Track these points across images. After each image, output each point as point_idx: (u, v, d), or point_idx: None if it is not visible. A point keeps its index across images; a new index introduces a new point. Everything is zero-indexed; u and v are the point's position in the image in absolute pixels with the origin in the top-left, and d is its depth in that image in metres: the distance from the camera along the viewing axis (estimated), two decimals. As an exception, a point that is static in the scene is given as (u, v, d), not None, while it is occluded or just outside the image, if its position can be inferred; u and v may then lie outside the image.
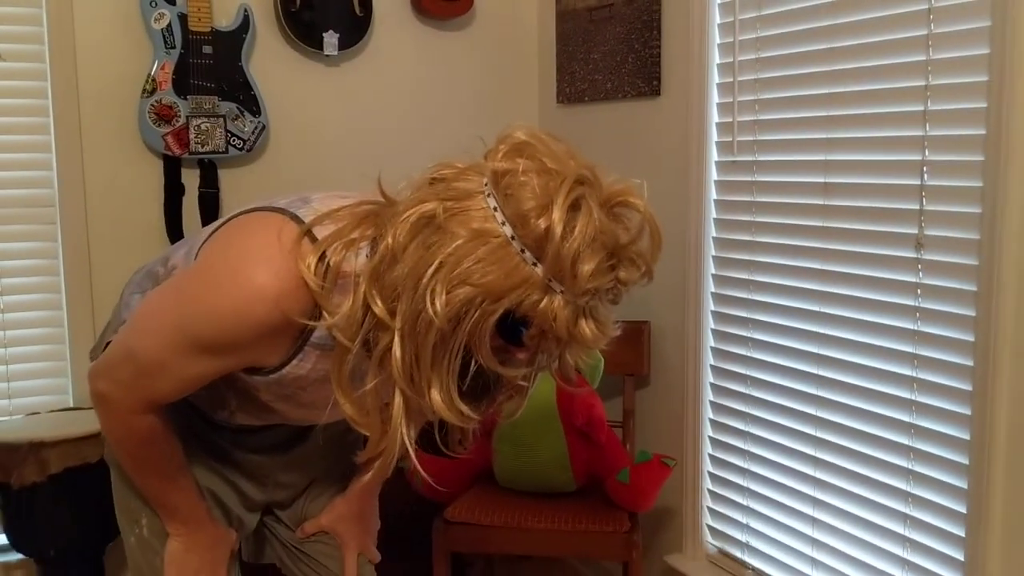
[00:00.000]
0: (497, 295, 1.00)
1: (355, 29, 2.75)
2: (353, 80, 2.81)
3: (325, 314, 1.10)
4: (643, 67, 2.53)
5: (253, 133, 2.64)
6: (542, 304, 1.01)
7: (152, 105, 2.52)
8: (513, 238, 1.01)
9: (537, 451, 2.31)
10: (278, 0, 2.65)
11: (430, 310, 1.00)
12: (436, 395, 1.05)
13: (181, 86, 2.54)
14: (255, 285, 1.10)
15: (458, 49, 2.94)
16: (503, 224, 1.01)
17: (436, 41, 2.90)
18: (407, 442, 1.11)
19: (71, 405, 2.58)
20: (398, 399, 1.08)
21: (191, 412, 1.40)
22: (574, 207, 1.01)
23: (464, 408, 1.07)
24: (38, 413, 2.51)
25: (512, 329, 1.04)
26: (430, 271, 1.00)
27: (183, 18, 2.53)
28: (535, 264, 1.01)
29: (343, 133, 2.82)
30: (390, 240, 1.05)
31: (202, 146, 2.59)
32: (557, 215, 0.99)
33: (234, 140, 2.62)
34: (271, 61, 2.69)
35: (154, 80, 2.52)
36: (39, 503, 2.25)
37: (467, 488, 2.40)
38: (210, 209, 2.65)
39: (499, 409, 1.23)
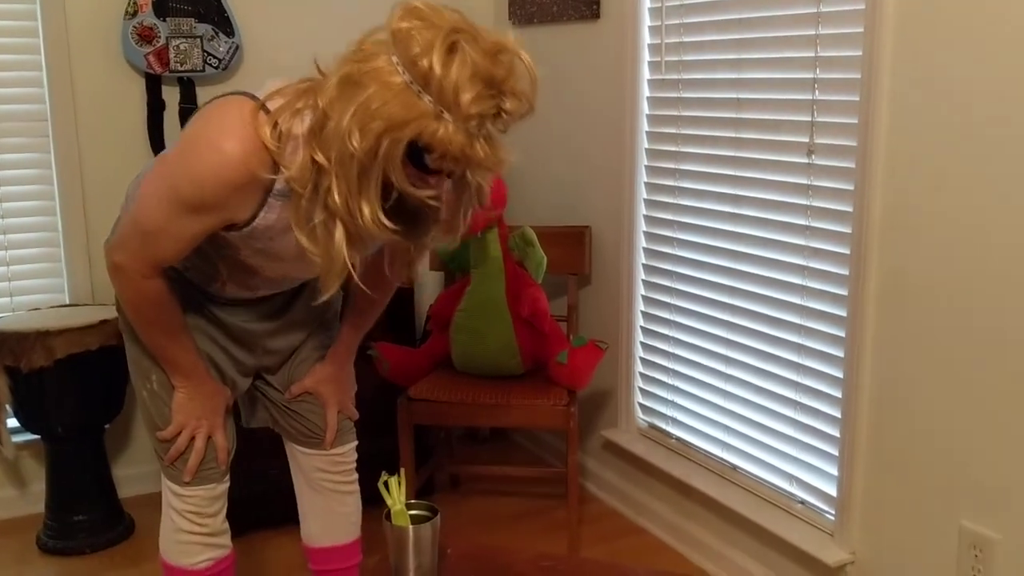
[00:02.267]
0: (400, 125, 1.26)
1: (321, -45, 2.96)
2: (324, 2, 3.02)
3: (283, 169, 1.39)
4: (585, -7, 2.77)
5: (227, 53, 2.87)
6: (439, 132, 1.26)
7: (134, 27, 2.73)
8: (410, 82, 1.26)
9: (489, 339, 2.61)
10: (249, -73, 2.85)
11: (351, 146, 1.27)
12: (367, 216, 1.32)
13: (161, 9, 2.75)
14: (225, 150, 1.39)
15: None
16: (401, 72, 1.27)
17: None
18: (348, 264, 1.38)
19: (67, 302, 2.85)
20: (339, 228, 1.37)
21: (191, 288, 1.68)
22: (451, 50, 1.26)
23: (390, 224, 1.33)
24: (39, 309, 2.78)
25: (418, 155, 1.30)
26: (348, 116, 1.27)
27: (162, -57, 2.73)
28: (428, 100, 1.26)
29: (313, 50, 3.03)
30: (322, 102, 1.32)
31: (181, 65, 2.81)
32: (436, 56, 1.24)
33: (210, 59, 2.84)
34: (244, -16, 2.90)
35: (135, 3, 2.73)
36: (46, 386, 2.54)
37: (427, 374, 2.71)
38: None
39: (433, 241, 1.51)
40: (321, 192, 1.36)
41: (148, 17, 2.74)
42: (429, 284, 3.25)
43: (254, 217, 1.48)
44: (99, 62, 2.79)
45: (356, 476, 1.92)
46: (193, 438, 1.69)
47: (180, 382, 1.68)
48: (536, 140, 3.11)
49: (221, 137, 1.40)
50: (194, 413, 1.69)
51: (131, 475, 2.90)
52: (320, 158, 1.33)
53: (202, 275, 1.66)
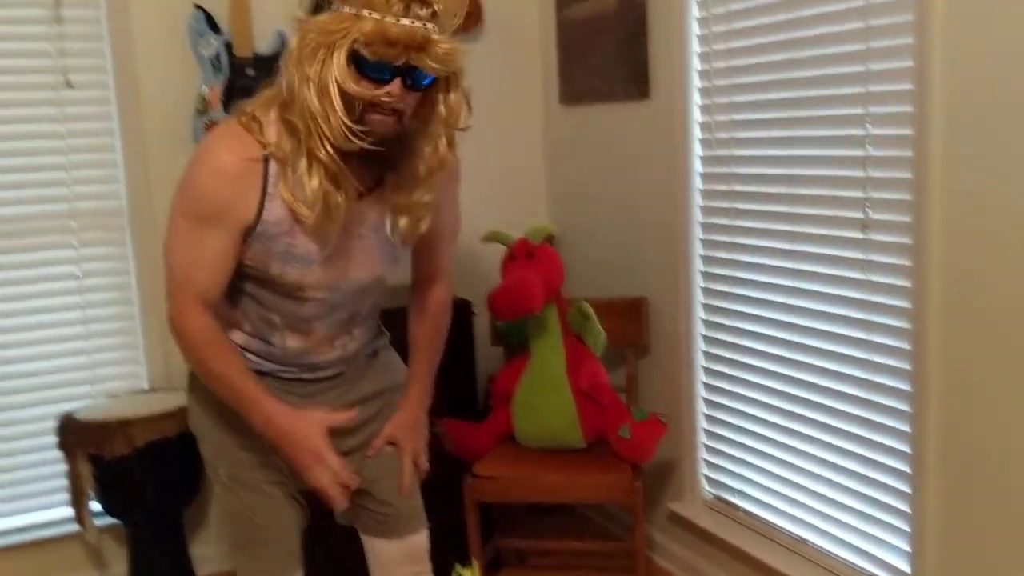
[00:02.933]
0: (332, 35, 1.46)
1: (378, 47, 3.08)
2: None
3: (265, 145, 1.56)
4: (634, 73, 2.84)
5: (292, 144, 2.99)
6: (364, 27, 1.45)
7: (204, 123, 2.87)
8: (335, 8, 1.49)
9: (550, 414, 2.66)
10: (309, 25, 2.99)
11: (304, 75, 1.48)
12: (334, 125, 1.49)
13: (228, 106, 2.89)
14: (217, 153, 1.58)
15: (469, 58, 3.25)
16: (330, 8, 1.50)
17: (451, 53, 3.23)
18: (335, 204, 1.56)
19: (146, 387, 2.96)
20: (317, 169, 1.53)
21: (260, 378, 1.74)
22: None
23: (356, 128, 1.50)
24: (118, 396, 2.90)
25: (358, 57, 1.47)
26: (296, 62, 1.50)
27: (228, 46, 2.88)
28: (348, 9, 1.47)
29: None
30: (283, 80, 1.53)
31: (249, 157, 2.94)
32: None
33: (276, 151, 2.97)
34: (305, 79, 3.03)
35: (205, 101, 2.87)
36: (127, 473, 2.64)
37: (491, 449, 2.76)
38: (258, 212, 3.01)
39: (425, 180, 1.64)
40: (303, 146, 1.53)
41: (217, 113, 2.88)
42: (489, 359, 3.30)
43: (261, 212, 1.58)
44: (172, 157, 2.91)
45: (429, 565, 1.96)
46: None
47: (274, 425, 1.67)
48: (590, 214, 3.18)
49: (213, 146, 1.61)
50: (302, 434, 1.67)
51: (209, 554, 2.97)
52: (290, 117, 1.53)
53: (259, 327, 1.72)
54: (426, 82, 1.53)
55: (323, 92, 1.48)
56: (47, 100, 2.80)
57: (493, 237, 2.71)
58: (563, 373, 2.64)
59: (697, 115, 2.64)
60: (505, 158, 3.37)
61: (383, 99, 1.49)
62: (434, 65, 1.50)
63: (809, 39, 2.24)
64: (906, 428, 2.09)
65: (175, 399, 2.73)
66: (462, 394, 2.97)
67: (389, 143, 1.56)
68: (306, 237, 1.60)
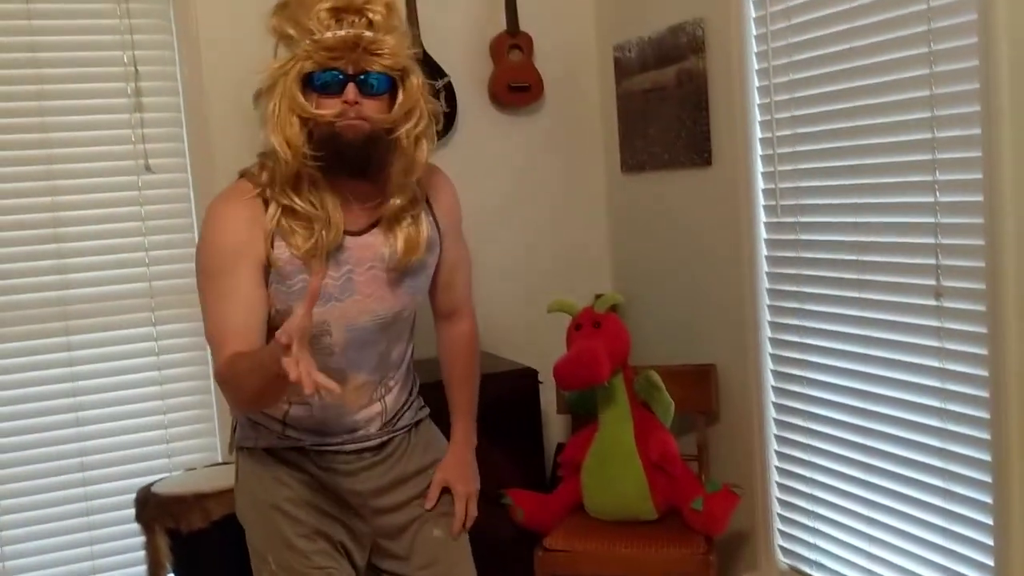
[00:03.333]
0: (285, 67, 1.63)
1: (442, 123, 3.16)
2: (442, 165, 3.20)
3: (258, 176, 1.70)
4: (695, 141, 2.87)
5: (360, 219, 3.07)
6: (307, 48, 1.60)
7: (276, 202, 2.97)
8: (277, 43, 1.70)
9: (620, 485, 2.64)
10: (376, 104, 3.09)
11: (268, 111, 1.65)
12: (295, 154, 1.63)
13: (299, 184, 2.98)
14: (218, 206, 1.71)
15: (532, 131, 3.34)
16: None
17: (513, 126, 3.31)
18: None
19: (220, 460, 3.02)
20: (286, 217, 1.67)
21: (292, 454, 1.80)
22: (282, 6, 1.67)
23: (309, 152, 1.63)
24: (195, 469, 2.96)
25: (308, 76, 1.62)
26: (260, 105, 1.69)
27: (298, 127, 2.98)
28: (292, 42, 1.64)
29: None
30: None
31: (318, 233, 3.02)
32: (273, 18, 1.68)
33: (345, 226, 3.05)
34: (372, 156, 3.12)
35: (277, 181, 2.97)
36: (204, 547, 2.67)
37: (561, 520, 2.74)
38: (327, 286, 3.09)
39: (401, 185, 1.73)
40: (276, 169, 1.67)
41: (288, 193, 2.97)
42: (556, 428, 3.31)
43: (271, 249, 1.67)
44: (245, 236, 3.03)
45: None
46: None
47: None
48: (654, 280, 3.18)
49: (213, 203, 1.73)
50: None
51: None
52: (268, 162, 1.69)
53: (295, 387, 1.69)
54: (380, 85, 1.64)
55: (281, 123, 1.62)
56: (128, 184, 2.92)
57: (558, 307, 2.73)
58: (632, 443, 2.63)
59: (761, 182, 2.65)
60: (568, 227, 3.41)
61: (344, 110, 1.61)
62: (382, 63, 1.62)
63: (874, 107, 2.25)
64: (987, 499, 2.03)
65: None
66: (529, 464, 2.97)
67: (357, 153, 1.64)
68: (324, 269, 1.68)
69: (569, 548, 2.59)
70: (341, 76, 1.61)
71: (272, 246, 1.66)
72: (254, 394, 1.58)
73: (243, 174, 1.74)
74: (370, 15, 1.61)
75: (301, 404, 1.77)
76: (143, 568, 2.79)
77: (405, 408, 1.91)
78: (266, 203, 1.67)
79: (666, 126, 3.00)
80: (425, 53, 3.10)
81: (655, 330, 3.17)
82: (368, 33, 1.60)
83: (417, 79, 1.69)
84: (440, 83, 3.13)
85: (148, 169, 2.94)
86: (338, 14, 1.60)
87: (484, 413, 2.88)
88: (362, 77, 1.62)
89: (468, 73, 3.22)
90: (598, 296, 2.98)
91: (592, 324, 2.63)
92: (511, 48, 3.20)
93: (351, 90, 1.61)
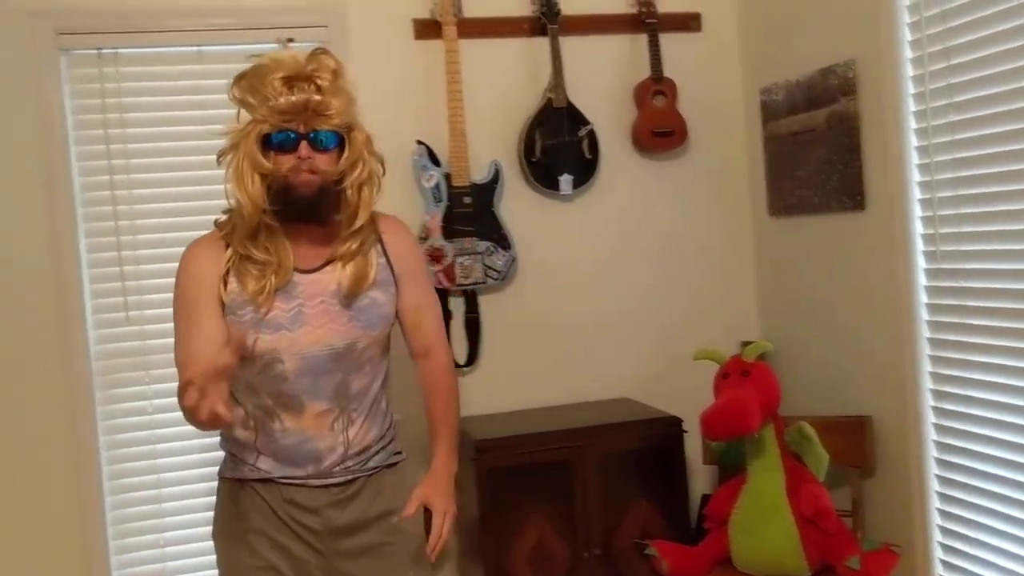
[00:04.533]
0: (244, 130, 1.85)
1: (586, 170, 3.20)
2: (586, 213, 3.25)
3: (225, 225, 1.94)
4: (847, 184, 2.79)
5: (505, 265, 3.13)
6: (263, 112, 1.83)
7: (426, 250, 3.06)
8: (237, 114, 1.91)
9: (771, 539, 2.55)
10: (521, 152, 3.16)
11: (230, 169, 1.87)
12: (254, 206, 1.85)
13: (448, 231, 3.07)
14: (189, 249, 1.96)
15: (675, 176, 3.32)
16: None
17: (656, 171, 3.31)
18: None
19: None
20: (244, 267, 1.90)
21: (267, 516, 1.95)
22: (240, 77, 1.88)
23: (267, 206, 1.87)
24: (344, 507, 3.05)
25: (265, 137, 1.85)
26: (224, 162, 1.91)
27: (447, 177, 3.07)
28: (250, 108, 1.86)
29: (580, 258, 3.26)
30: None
31: (465, 279, 3.10)
32: (234, 89, 1.89)
33: (490, 272, 3.11)
34: (516, 203, 3.18)
35: (426, 229, 3.07)
36: None
37: (707, 574, 2.67)
38: (474, 331, 3.15)
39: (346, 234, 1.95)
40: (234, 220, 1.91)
41: (437, 240, 3.06)
42: (701, 479, 3.24)
43: (226, 285, 1.89)
44: (395, 282, 3.13)
45: None
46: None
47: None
48: (804, 326, 3.09)
49: (186, 248, 1.97)
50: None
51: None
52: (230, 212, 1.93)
53: (258, 417, 1.94)
54: (329, 141, 1.87)
55: (241, 179, 1.84)
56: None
57: (705, 355, 2.69)
58: (783, 497, 2.54)
59: (919, 227, 2.55)
60: (713, 272, 3.37)
61: (297, 164, 1.83)
62: (330, 122, 1.85)
63: (1043, 148, 2.14)
64: None
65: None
66: (674, 514, 2.92)
67: (309, 203, 1.86)
68: (267, 307, 1.88)
69: (717, 602, 2.53)
70: (294, 135, 1.84)
71: (225, 285, 1.89)
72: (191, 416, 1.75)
73: (216, 223, 1.98)
74: (318, 81, 1.84)
75: (266, 437, 1.94)
76: None
77: (374, 449, 2.03)
78: (228, 247, 1.91)
79: (816, 169, 2.93)
80: (568, 102, 3.15)
81: (805, 379, 3.07)
82: (316, 97, 1.83)
83: (361, 134, 1.93)
84: (583, 131, 3.16)
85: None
86: (289, 82, 1.82)
87: (627, 460, 2.88)
88: (312, 135, 1.85)
89: (611, 119, 3.25)
90: (745, 343, 2.93)
91: (741, 373, 2.58)
92: (655, 94, 3.21)
93: (304, 147, 1.85)
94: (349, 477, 1.98)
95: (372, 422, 2.02)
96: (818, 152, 2.92)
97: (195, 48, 2.98)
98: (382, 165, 1.98)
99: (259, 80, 1.83)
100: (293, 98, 1.81)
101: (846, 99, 2.77)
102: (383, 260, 2.00)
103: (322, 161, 1.87)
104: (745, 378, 2.57)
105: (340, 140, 1.89)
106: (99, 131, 2.93)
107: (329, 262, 1.94)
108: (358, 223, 1.92)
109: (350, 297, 1.93)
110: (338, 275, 1.93)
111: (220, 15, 2.99)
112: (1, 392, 2.86)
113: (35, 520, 2.88)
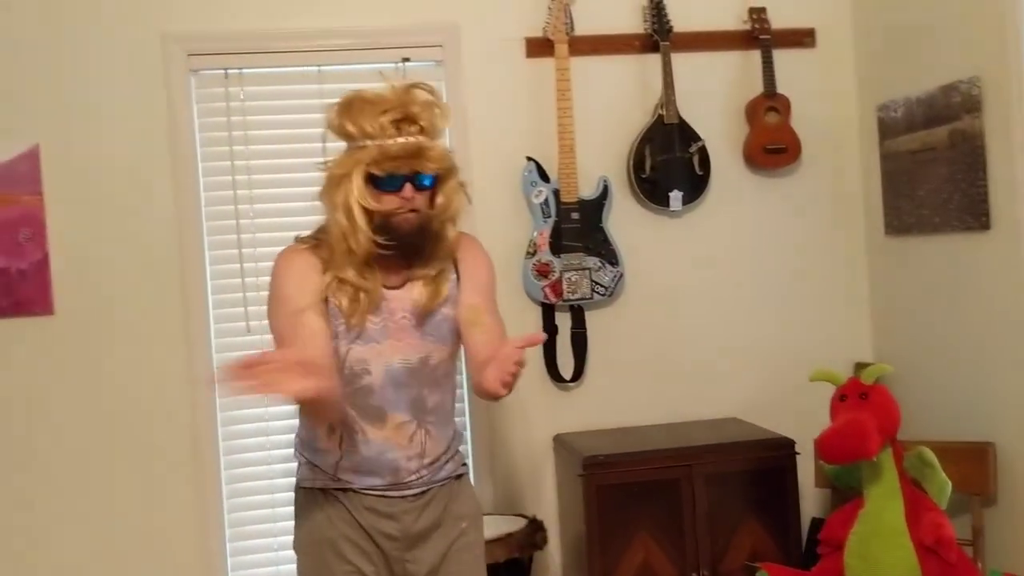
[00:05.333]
0: (351, 164, 1.90)
1: (696, 186, 3.18)
2: (695, 229, 3.24)
3: (317, 248, 1.99)
4: (970, 204, 2.71)
5: (612, 281, 3.13)
6: (372, 152, 1.87)
7: (534, 264, 3.09)
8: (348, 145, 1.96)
9: (888, 567, 2.48)
10: (631, 168, 3.16)
11: (337, 200, 1.92)
12: (364, 240, 1.91)
13: (555, 247, 3.09)
14: (288, 253, 2.03)
15: (788, 193, 3.28)
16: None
17: (766, 188, 3.27)
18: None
19: (473, 512, 3.14)
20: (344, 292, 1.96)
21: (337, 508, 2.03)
22: (347, 106, 1.92)
23: (378, 239, 1.93)
24: (451, 518, 3.09)
25: (372, 176, 1.89)
26: (324, 191, 1.97)
27: (556, 193, 3.10)
28: (352, 143, 1.93)
29: (689, 274, 3.25)
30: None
31: (572, 294, 3.11)
32: (337, 114, 1.93)
33: (597, 288, 3.12)
34: (625, 219, 3.19)
35: (535, 244, 3.10)
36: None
37: (821, 599, 2.62)
38: (580, 346, 3.16)
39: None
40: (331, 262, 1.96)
41: (545, 255, 3.09)
42: (812, 502, 3.18)
43: (325, 301, 1.95)
44: (503, 297, 3.07)
45: None
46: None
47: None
48: (919, 349, 3.01)
49: (276, 258, 2.04)
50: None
51: None
52: (325, 238, 1.97)
53: (345, 428, 1.99)
54: (428, 182, 1.93)
55: (349, 213, 1.89)
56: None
57: (822, 376, 2.64)
58: (902, 524, 2.47)
59: (1050, 248, 2.46)
60: (827, 290, 3.32)
61: (401, 204, 1.90)
62: (431, 166, 1.91)
63: None
64: None
65: (504, 526, 2.87)
66: (783, 537, 2.87)
67: (410, 240, 1.93)
68: (361, 321, 1.95)
69: (832, 630, 2.47)
70: (401, 178, 1.90)
71: (325, 291, 1.97)
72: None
73: (299, 239, 2.06)
74: (422, 123, 1.90)
75: (351, 448, 2.00)
76: None
77: (444, 459, 2.09)
78: (321, 261, 1.97)
79: (937, 188, 2.86)
80: (680, 118, 3.15)
81: (922, 403, 2.98)
82: (423, 140, 1.89)
83: (454, 176, 1.99)
84: (695, 147, 3.15)
85: (418, 233, 3.16)
86: (398, 124, 1.88)
87: (737, 481, 2.85)
88: (416, 177, 1.91)
89: (723, 136, 3.23)
90: (859, 365, 2.87)
91: (858, 395, 2.52)
92: (768, 110, 3.18)
93: (408, 189, 1.91)
94: (423, 488, 2.05)
95: (444, 434, 2.10)
96: (939, 170, 2.84)
97: (315, 68, 3.08)
98: (468, 196, 2.05)
99: (365, 117, 1.88)
100: (402, 140, 1.87)
101: (970, 116, 2.69)
102: (454, 277, 2.06)
103: (421, 200, 1.94)
104: (863, 400, 2.51)
105: (436, 179, 1.96)
106: (224, 148, 3.06)
107: (408, 280, 2.01)
108: (442, 254, 2.01)
109: (424, 314, 2.00)
110: (415, 293, 2.00)
111: (339, 36, 3.08)
112: (135, 395, 3.00)
113: (158, 518, 3.01)
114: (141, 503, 3.00)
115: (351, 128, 1.90)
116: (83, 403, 2.97)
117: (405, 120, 1.88)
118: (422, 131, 1.89)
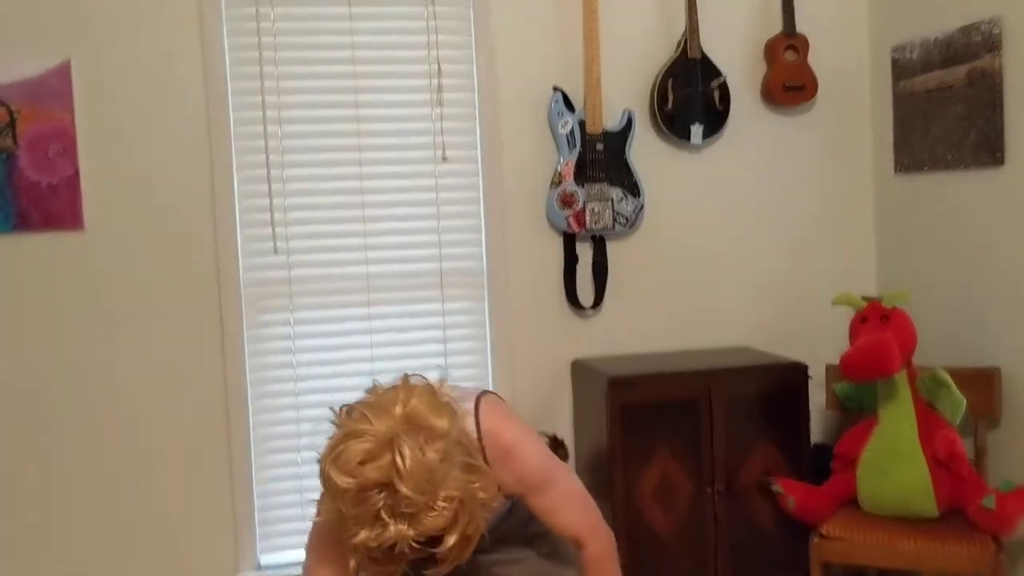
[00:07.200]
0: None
1: (716, 120, 3.27)
2: (715, 163, 3.33)
3: None
4: (985, 140, 2.84)
5: (634, 212, 3.22)
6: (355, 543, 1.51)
7: (558, 194, 3.16)
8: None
9: (901, 481, 2.64)
10: (654, 101, 3.23)
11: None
12: None
13: (580, 177, 3.16)
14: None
15: (803, 130, 3.38)
16: None
17: (783, 125, 3.37)
18: None
19: (493, 433, 3.23)
20: None
21: None
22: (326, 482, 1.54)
23: None
24: (473, 438, 3.18)
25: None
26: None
27: (582, 123, 3.16)
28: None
29: (707, 207, 3.34)
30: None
31: (595, 224, 3.19)
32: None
33: (619, 218, 3.21)
34: (648, 151, 3.27)
35: (560, 174, 3.16)
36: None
37: (833, 512, 2.76)
38: (600, 275, 3.25)
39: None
40: None
41: (570, 185, 3.16)
42: (814, 428, 3.33)
43: None
44: (527, 225, 3.24)
45: None
46: None
47: None
48: (924, 281, 3.15)
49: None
50: None
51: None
52: None
53: None
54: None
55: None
56: (426, 172, 3.19)
57: (844, 300, 2.76)
58: (916, 439, 2.62)
59: (1064, 182, 2.60)
60: (835, 225, 3.43)
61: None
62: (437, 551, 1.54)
63: None
64: None
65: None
66: (794, 457, 3.01)
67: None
68: None
69: (847, 537, 2.62)
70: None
71: None
72: None
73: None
74: (413, 531, 1.50)
75: None
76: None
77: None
78: None
79: (952, 126, 2.98)
80: (703, 53, 3.22)
81: (927, 335, 3.13)
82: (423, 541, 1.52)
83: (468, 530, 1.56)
84: (716, 82, 3.23)
85: (444, 159, 3.20)
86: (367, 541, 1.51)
87: (753, 403, 2.98)
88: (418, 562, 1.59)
89: (743, 72, 3.31)
90: (865, 299, 2.99)
91: (880, 318, 2.65)
92: (787, 49, 3.27)
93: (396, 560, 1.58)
94: None
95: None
96: (956, 109, 2.96)
97: (345, 7, 3.10)
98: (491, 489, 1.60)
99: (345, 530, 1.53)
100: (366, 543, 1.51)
101: (990, 55, 2.80)
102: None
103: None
104: (884, 323, 2.64)
105: None
106: (254, 66, 3.06)
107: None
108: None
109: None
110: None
111: (370, -41, 3.10)
112: (165, 318, 3.03)
113: (186, 438, 3.06)
114: (169, 411, 3.04)
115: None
116: (112, 318, 2.99)
117: (378, 520, 1.50)
118: (418, 536, 1.51)
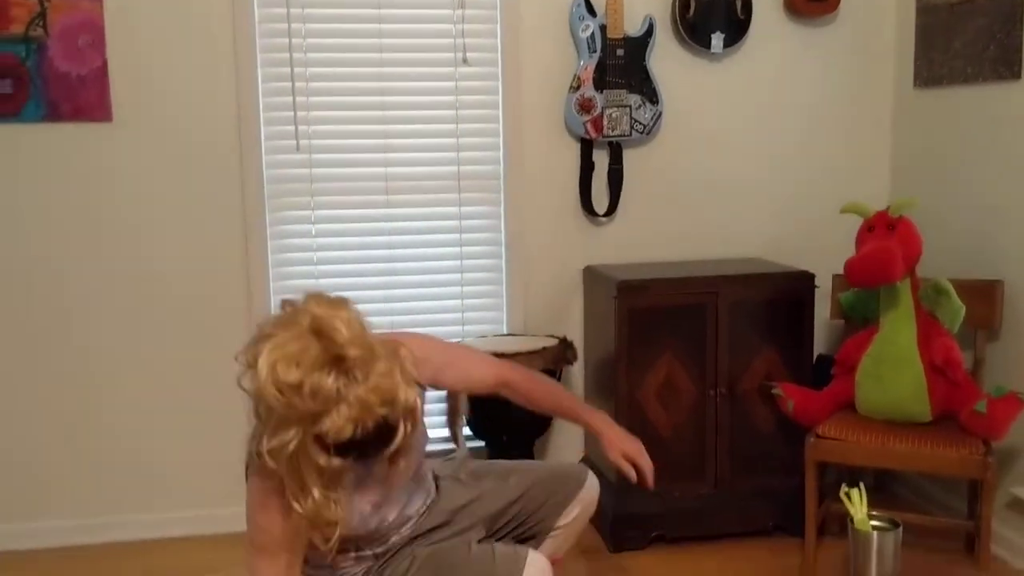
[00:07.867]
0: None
1: (737, 30, 3.27)
2: (734, 73, 3.34)
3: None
4: (1004, 53, 2.83)
5: (651, 119, 3.25)
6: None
7: (577, 99, 3.19)
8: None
9: (897, 385, 2.71)
10: (676, 8, 3.23)
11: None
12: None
13: (599, 82, 3.19)
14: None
15: (824, 42, 3.38)
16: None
17: (804, 36, 3.36)
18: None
19: (504, 332, 3.33)
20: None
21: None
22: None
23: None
24: (486, 336, 3.28)
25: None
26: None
27: (603, 28, 3.17)
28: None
29: (725, 117, 3.37)
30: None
31: (612, 130, 3.23)
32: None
33: (637, 125, 3.24)
34: (667, 59, 3.28)
35: (579, 78, 3.19)
36: (496, 403, 2.99)
37: (830, 415, 2.85)
38: (616, 182, 3.30)
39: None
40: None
41: (588, 90, 3.19)
42: (818, 338, 3.40)
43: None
44: (546, 129, 3.28)
45: None
46: None
47: None
48: (937, 192, 3.18)
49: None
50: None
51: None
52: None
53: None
54: None
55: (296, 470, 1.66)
56: (446, 75, 3.23)
57: (852, 209, 2.80)
58: (914, 346, 2.68)
59: (1079, 95, 2.60)
60: (851, 138, 3.45)
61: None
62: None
63: None
64: None
65: (539, 342, 3.07)
66: (796, 364, 3.08)
67: None
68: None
69: (842, 438, 2.71)
70: None
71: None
72: None
73: None
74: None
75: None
76: (443, 419, 3.18)
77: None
78: None
79: (973, 40, 2.97)
80: (727, -39, 3.21)
81: (935, 246, 3.16)
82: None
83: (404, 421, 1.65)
84: (739, -9, 3.23)
85: (465, 62, 3.23)
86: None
87: (759, 310, 3.05)
88: None
89: (766, -18, 3.30)
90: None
91: (886, 226, 2.69)
92: (811, -42, 3.25)
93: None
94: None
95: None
96: (977, 22, 2.94)
97: None
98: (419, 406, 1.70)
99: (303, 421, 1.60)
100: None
101: (1014, -33, 2.78)
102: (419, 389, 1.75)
103: None
104: (890, 231, 2.68)
105: None
106: (279, -35, 3.10)
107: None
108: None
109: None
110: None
111: None
112: (189, 212, 3.12)
113: (208, 332, 3.18)
114: (191, 301, 3.16)
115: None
116: (139, 209, 3.09)
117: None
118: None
